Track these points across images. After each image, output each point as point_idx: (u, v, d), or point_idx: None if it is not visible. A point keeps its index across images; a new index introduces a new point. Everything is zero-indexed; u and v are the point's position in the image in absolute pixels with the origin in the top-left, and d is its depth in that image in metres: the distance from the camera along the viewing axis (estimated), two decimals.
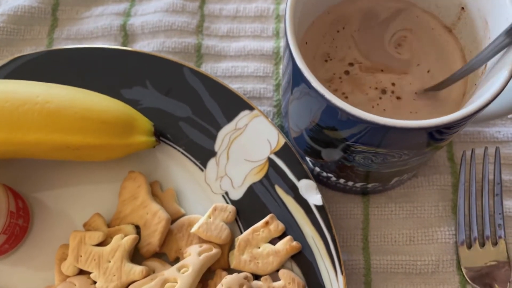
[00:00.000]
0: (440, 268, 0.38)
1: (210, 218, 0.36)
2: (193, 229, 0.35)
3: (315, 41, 0.33)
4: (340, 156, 0.32)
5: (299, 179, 0.36)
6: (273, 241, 0.35)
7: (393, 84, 0.32)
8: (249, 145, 0.38)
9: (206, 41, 0.45)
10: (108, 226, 0.37)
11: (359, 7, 0.34)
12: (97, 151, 0.36)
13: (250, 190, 0.37)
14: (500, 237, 0.37)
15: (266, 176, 0.37)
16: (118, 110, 0.36)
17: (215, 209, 0.36)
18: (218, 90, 0.39)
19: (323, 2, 0.33)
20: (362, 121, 0.26)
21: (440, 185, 0.40)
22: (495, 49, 0.27)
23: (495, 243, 0.37)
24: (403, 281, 0.37)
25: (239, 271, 0.35)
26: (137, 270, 0.34)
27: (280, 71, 0.44)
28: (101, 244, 0.35)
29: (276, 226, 0.35)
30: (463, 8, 0.32)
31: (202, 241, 0.36)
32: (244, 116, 0.38)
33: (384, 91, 0.32)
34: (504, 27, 0.28)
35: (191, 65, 0.40)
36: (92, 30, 0.46)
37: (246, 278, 0.34)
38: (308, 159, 0.37)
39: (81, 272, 0.35)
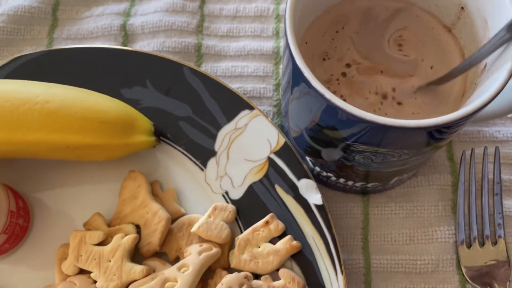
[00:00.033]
0: (440, 267, 0.38)
1: (210, 217, 0.36)
2: (193, 229, 0.35)
3: (315, 40, 0.33)
4: (340, 155, 0.32)
5: (299, 178, 0.36)
6: (273, 241, 0.35)
7: (393, 89, 0.32)
8: (249, 144, 0.38)
9: (206, 41, 0.45)
10: (109, 225, 0.37)
11: (358, 6, 0.34)
12: (97, 151, 0.36)
13: (250, 190, 0.37)
14: (499, 236, 0.37)
15: (266, 175, 0.37)
16: (118, 110, 0.36)
17: (215, 209, 0.36)
18: (218, 90, 0.39)
19: (323, 2, 0.33)
20: (362, 121, 0.26)
21: (440, 184, 0.40)
22: (495, 44, 0.27)
23: (494, 243, 0.37)
24: (403, 281, 0.37)
25: (239, 271, 0.35)
26: (138, 269, 0.34)
27: (280, 70, 0.44)
28: (102, 243, 0.35)
29: (276, 226, 0.35)
30: (462, 8, 0.32)
31: (202, 240, 0.36)
32: (244, 116, 0.38)
33: (385, 96, 0.32)
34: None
35: (191, 64, 0.40)
36: (92, 30, 0.46)
37: (246, 277, 0.34)
38: (308, 158, 0.37)
39: (82, 271, 0.35)
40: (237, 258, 0.35)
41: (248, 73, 0.44)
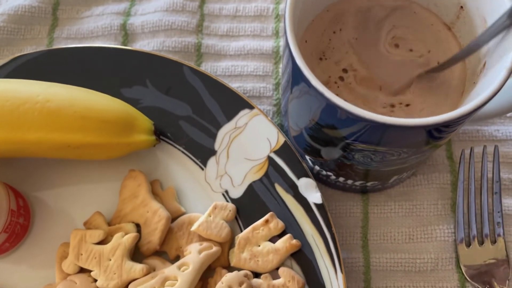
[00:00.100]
0: (439, 266, 0.38)
1: (210, 216, 0.36)
2: (193, 228, 0.36)
3: (314, 39, 0.33)
4: (340, 154, 0.33)
5: (298, 177, 0.37)
6: (273, 239, 0.36)
7: (400, 103, 0.32)
8: (249, 144, 0.38)
9: (206, 41, 0.45)
10: (109, 224, 0.37)
11: (358, 5, 0.34)
12: (97, 150, 0.36)
13: (250, 189, 0.37)
14: (499, 235, 0.38)
15: (266, 174, 0.37)
16: (118, 109, 0.36)
17: (215, 208, 0.36)
18: (218, 89, 0.39)
19: (322, 0, 0.34)
20: (361, 120, 0.26)
21: (439, 183, 0.40)
22: (495, 30, 0.27)
23: (494, 241, 0.38)
24: (402, 279, 0.38)
25: (239, 269, 0.35)
26: (138, 268, 0.34)
27: (280, 70, 0.44)
28: (102, 242, 0.35)
29: (276, 224, 0.36)
30: (462, 7, 0.32)
31: (202, 239, 0.36)
32: (244, 115, 0.38)
33: (393, 105, 0.32)
34: (504, 37, 0.28)
35: (191, 64, 0.40)
36: (92, 30, 0.46)
37: (246, 276, 0.34)
38: (307, 157, 0.37)
39: (82, 270, 0.35)
40: (237, 256, 0.35)
41: (248, 73, 0.44)
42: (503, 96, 0.30)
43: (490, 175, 0.39)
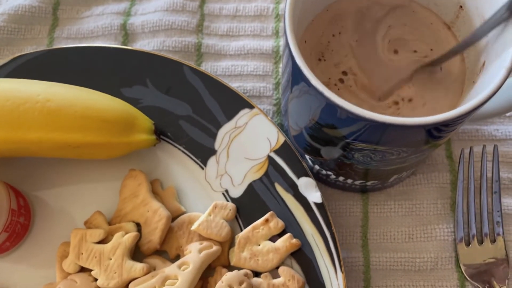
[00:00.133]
0: (439, 265, 0.38)
1: (210, 215, 0.36)
2: (194, 227, 0.36)
3: (314, 40, 0.34)
4: (339, 153, 0.33)
5: (298, 177, 0.37)
6: (273, 239, 0.36)
7: (402, 99, 0.32)
8: (249, 143, 0.38)
9: (206, 40, 0.46)
10: (109, 224, 0.37)
11: (357, 5, 0.34)
12: (97, 150, 0.36)
13: (250, 188, 0.37)
14: (498, 234, 0.38)
15: (266, 174, 0.37)
16: (118, 109, 0.36)
17: (215, 207, 0.36)
18: (218, 89, 0.39)
19: (322, 0, 0.34)
20: (361, 119, 0.26)
21: (438, 183, 0.40)
22: (494, 23, 0.27)
23: (493, 241, 0.38)
24: (402, 278, 0.38)
25: (239, 268, 0.35)
26: (138, 267, 0.34)
27: (280, 70, 0.44)
28: (102, 241, 0.35)
29: (276, 224, 0.36)
30: (461, 6, 0.32)
31: (202, 238, 0.36)
32: (244, 115, 0.38)
33: (396, 103, 0.32)
34: (503, 31, 0.29)
35: (191, 64, 0.40)
36: (93, 30, 0.46)
37: (246, 275, 0.34)
38: (307, 157, 0.37)
39: (82, 269, 0.35)
40: (237, 256, 0.35)
41: (248, 72, 0.44)
42: (502, 95, 0.30)
43: (489, 175, 0.39)
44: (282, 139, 0.37)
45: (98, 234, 0.35)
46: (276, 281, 0.34)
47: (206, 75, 0.39)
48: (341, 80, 0.32)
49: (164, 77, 0.40)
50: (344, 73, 0.32)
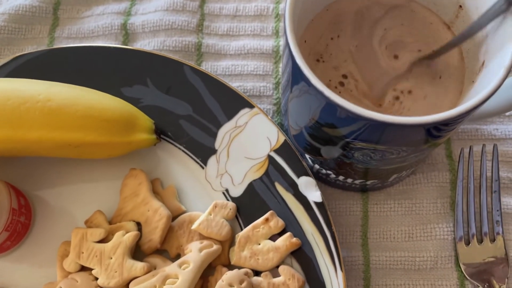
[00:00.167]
0: (439, 264, 0.38)
1: (210, 215, 0.36)
2: (194, 226, 0.36)
3: (313, 39, 0.34)
4: (339, 153, 0.33)
5: (298, 176, 0.37)
6: (273, 238, 0.36)
7: (402, 92, 0.32)
8: (249, 142, 0.38)
9: (206, 40, 0.46)
10: (110, 223, 0.37)
11: (357, 5, 0.34)
12: (98, 149, 0.36)
13: (250, 187, 0.37)
14: (498, 233, 0.38)
15: (266, 173, 0.37)
16: (119, 108, 0.37)
17: (215, 206, 0.36)
18: (218, 88, 0.39)
19: (322, 0, 0.34)
20: (361, 118, 0.26)
21: (438, 182, 0.40)
22: (492, 15, 0.27)
23: (493, 240, 0.38)
24: (402, 277, 0.38)
25: (239, 267, 0.35)
26: (139, 266, 0.34)
27: (280, 69, 0.44)
28: (103, 241, 0.35)
29: (276, 223, 0.36)
30: (461, 6, 0.32)
31: (202, 237, 0.36)
32: (244, 114, 0.38)
33: (397, 98, 0.32)
34: (502, 25, 0.29)
35: (192, 63, 0.40)
36: (93, 29, 0.46)
37: (246, 274, 0.34)
38: (307, 156, 0.37)
39: (83, 268, 0.35)
40: (238, 255, 0.35)
41: (248, 72, 0.44)
42: (501, 95, 0.30)
43: (489, 174, 0.39)
44: (282, 138, 0.38)
45: (99, 233, 0.35)
46: (276, 280, 0.34)
47: (206, 75, 0.40)
48: (342, 83, 0.32)
49: (164, 77, 0.40)
50: (344, 76, 0.32)
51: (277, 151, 0.37)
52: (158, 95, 0.40)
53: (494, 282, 0.36)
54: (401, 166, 0.34)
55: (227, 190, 0.38)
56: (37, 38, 0.46)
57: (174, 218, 0.37)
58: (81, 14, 0.47)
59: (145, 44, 0.45)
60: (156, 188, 0.38)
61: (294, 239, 0.35)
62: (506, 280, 0.36)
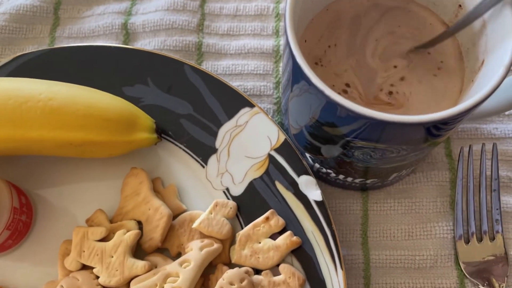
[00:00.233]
0: (439, 263, 0.38)
1: (211, 213, 0.36)
2: (195, 225, 0.36)
3: (314, 39, 0.34)
4: (339, 152, 0.33)
5: (299, 175, 0.37)
6: (273, 236, 0.36)
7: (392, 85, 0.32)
8: (250, 142, 0.38)
9: (207, 40, 0.46)
10: (111, 222, 0.37)
11: (356, 5, 0.34)
12: (99, 148, 0.36)
13: (251, 186, 0.37)
14: (497, 232, 0.38)
15: (267, 172, 0.37)
16: (120, 108, 0.37)
17: (216, 205, 0.37)
18: (218, 88, 0.39)
19: (322, 0, 0.34)
20: (361, 117, 0.27)
21: (438, 181, 0.40)
22: (489, 4, 0.28)
23: (492, 238, 0.38)
24: (401, 276, 0.38)
25: (240, 266, 0.35)
26: (140, 265, 0.34)
27: (280, 69, 0.44)
28: (104, 239, 0.35)
29: (277, 222, 0.36)
30: (460, 5, 0.32)
31: (203, 236, 0.36)
32: (244, 113, 0.39)
33: (391, 93, 0.32)
34: (501, 24, 0.29)
35: (192, 63, 0.40)
36: (94, 29, 0.46)
37: (247, 272, 0.34)
38: (307, 155, 0.37)
39: (84, 267, 0.35)
40: (238, 253, 0.35)
41: (248, 71, 0.44)
42: (501, 94, 0.30)
43: (488, 173, 0.39)
44: (282, 137, 0.38)
45: (100, 232, 0.35)
46: (277, 278, 0.34)
47: (207, 74, 0.40)
48: (345, 91, 0.32)
49: (165, 76, 0.40)
50: (348, 85, 0.32)
51: (277, 150, 0.38)
52: (158, 95, 0.40)
53: (494, 280, 0.36)
54: (401, 165, 0.34)
55: (227, 189, 0.38)
56: (38, 38, 0.46)
57: (175, 217, 0.37)
58: (82, 13, 0.47)
59: (145, 43, 0.45)
60: (157, 187, 0.38)
61: (295, 238, 0.35)
62: (505, 278, 0.36)
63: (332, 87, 0.32)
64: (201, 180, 0.39)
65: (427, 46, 0.32)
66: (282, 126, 0.41)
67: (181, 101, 0.39)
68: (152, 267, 0.35)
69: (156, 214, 0.36)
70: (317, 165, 0.38)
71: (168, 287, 0.33)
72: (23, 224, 0.37)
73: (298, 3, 0.30)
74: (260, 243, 0.35)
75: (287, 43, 0.29)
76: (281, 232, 0.36)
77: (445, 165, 0.41)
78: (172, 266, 0.34)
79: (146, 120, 0.38)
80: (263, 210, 0.36)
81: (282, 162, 0.37)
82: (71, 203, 0.39)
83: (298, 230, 0.36)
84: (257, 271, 0.35)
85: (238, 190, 0.37)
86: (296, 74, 0.29)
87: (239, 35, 0.46)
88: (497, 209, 0.38)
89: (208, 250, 0.34)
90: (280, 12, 0.47)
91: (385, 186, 0.40)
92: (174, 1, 0.46)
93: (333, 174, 0.38)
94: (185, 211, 0.38)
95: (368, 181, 0.38)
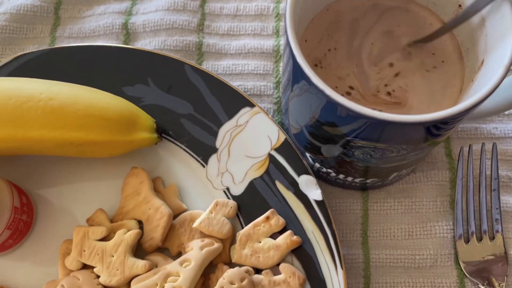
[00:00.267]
0: (438, 262, 0.38)
1: (211, 213, 0.36)
2: (195, 224, 0.36)
3: (314, 40, 0.34)
4: (340, 151, 0.33)
5: (299, 174, 0.37)
6: (273, 236, 0.36)
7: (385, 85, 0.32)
8: (250, 141, 0.38)
9: (207, 39, 0.46)
10: (111, 221, 0.37)
11: (355, 4, 0.34)
12: (100, 148, 0.37)
13: (251, 186, 0.37)
14: (497, 231, 0.38)
15: (267, 172, 0.37)
16: (120, 107, 0.37)
17: (216, 204, 0.37)
18: (219, 88, 0.39)
19: (322, 0, 0.34)
20: (361, 116, 0.27)
21: (438, 180, 0.40)
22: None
23: (492, 238, 0.38)
24: (401, 275, 0.38)
25: (240, 265, 0.35)
26: (140, 264, 0.34)
27: (280, 68, 0.45)
28: (104, 239, 0.36)
29: (277, 221, 0.36)
30: (460, 5, 0.32)
31: (204, 236, 0.36)
32: (245, 113, 0.39)
33: (388, 93, 0.32)
34: (501, 24, 0.29)
35: (192, 63, 0.40)
36: (94, 29, 0.46)
37: (247, 272, 0.34)
38: (308, 155, 0.38)
39: (85, 266, 0.35)
40: (238, 253, 0.35)
41: (248, 71, 0.44)
42: (501, 93, 0.30)
43: (488, 172, 0.39)
44: (282, 137, 0.38)
45: (101, 231, 0.35)
46: (277, 277, 0.35)
47: (207, 74, 0.40)
48: (349, 93, 0.32)
49: (165, 76, 0.40)
50: (351, 87, 0.32)
51: (277, 149, 0.38)
52: (159, 94, 0.40)
53: (494, 280, 0.36)
54: (401, 164, 0.34)
55: (228, 189, 0.38)
56: (39, 38, 0.46)
57: (175, 216, 0.37)
58: (82, 13, 0.47)
59: (146, 43, 0.45)
60: (158, 187, 0.38)
61: (295, 237, 0.35)
62: (505, 277, 0.36)
63: (336, 89, 0.32)
64: (201, 180, 0.39)
65: (425, 41, 0.32)
66: (283, 125, 0.41)
67: (182, 101, 0.40)
68: (153, 266, 0.35)
69: (157, 213, 0.36)
70: (317, 165, 0.38)
71: (169, 287, 0.33)
72: (23, 224, 0.37)
73: (299, 3, 0.30)
74: (260, 242, 0.36)
75: (288, 43, 0.29)
76: (281, 232, 0.36)
77: (445, 164, 0.41)
78: (172, 266, 0.34)
79: (147, 120, 0.38)
80: (264, 210, 0.36)
81: (283, 161, 0.37)
82: (72, 203, 0.39)
83: (298, 229, 0.36)
84: (258, 271, 0.35)
85: (238, 189, 0.38)
86: (297, 74, 0.29)
87: (239, 35, 0.46)
88: (497, 209, 0.38)
89: (208, 249, 0.34)
90: (280, 12, 0.47)
91: (385, 186, 0.40)
92: (175, 1, 0.46)
93: (333, 174, 0.38)
94: (185, 210, 0.38)
95: (368, 181, 0.38)
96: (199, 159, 0.39)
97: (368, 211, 0.40)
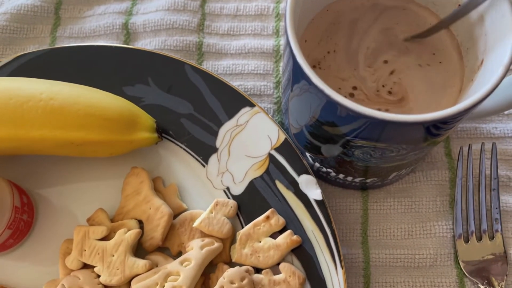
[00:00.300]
0: (438, 261, 0.38)
1: (212, 213, 0.36)
2: (195, 224, 0.36)
3: (314, 40, 0.34)
4: (340, 151, 0.33)
5: (299, 174, 0.37)
6: (274, 235, 0.36)
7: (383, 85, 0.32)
8: (250, 141, 0.38)
9: (207, 39, 0.46)
10: (112, 221, 0.37)
11: (355, 5, 0.35)
12: (100, 147, 0.37)
13: (251, 186, 0.37)
14: (496, 231, 0.38)
15: (267, 171, 0.37)
16: (121, 107, 0.37)
17: (216, 204, 0.37)
18: (219, 87, 0.40)
19: (322, 0, 0.34)
20: (361, 116, 0.27)
21: (437, 180, 0.40)
22: None
23: (492, 237, 0.38)
24: (401, 275, 0.38)
25: (240, 265, 0.35)
26: (141, 263, 0.34)
27: (280, 68, 0.45)
28: (105, 238, 0.36)
29: (277, 221, 0.36)
30: (459, 5, 0.32)
31: (204, 235, 0.36)
32: (245, 113, 0.39)
33: (391, 93, 0.32)
34: (500, 23, 0.29)
35: (193, 62, 0.41)
36: (95, 29, 0.46)
37: (247, 271, 0.34)
38: (308, 154, 0.38)
39: (85, 266, 0.35)
40: (239, 252, 0.35)
41: (248, 71, 0.44)
42: (500, 93, 0.30)
43: (488, 172, 0.39)
44: (282, 137, 0.38)
45: (101, 231, 0.35)
46: (277, 277, 0.35)
47: (207, 74, 0.40)
48: (352, 94, 0.32)
49: (165, 76, 0.40)
50: (354, 88, 0.32)
51: (277, 149, 0.38)
52: (159, 94, 0.40)
53: (493, 279, 0.37)
54: (400, 164, 0.34)
55: (228, 188, 0.38)
56: (39, 38, 0.46)
57: (175, 216, 0.37)
58: (83, 13, 0.47)
59: (146, 43, 0.45)
60: (158, 187, 0.38)
61: (295, 237, 0.35)
62: (504, 277, 0.37)
63: (339, 90, 0.32)
64: (201, 180, 0.39)
65: (422, 36, 0.32)
66: (283, 125, 0.41)
67: (182, 101, 0.40)
68: (153, 266, 0.35)
69: (157, 213, 0.36)
70: (317, 165, 0.38)
71: (169, 286, 0.33)
72: (24, 223, 0.37)
73: (299, 3, 0.30)
74: (260, 242, 0.36)
75: (288, 43, 0.29)
76: (281, 231, 0.36)
77: (445, 164, 0.41)
78: (173, 265, 0.34)
79: (147, 119, 0.38)
80: (264, 209, 0.37)
81: (283, 161, 0.37)
82: (72, 202, 0.39)
83: (298, 229, 0.36)
84: (258, 270, 0.35)
85: (238, 189, 0.38)
86: (297, 74, 0.29)
87: (240, 35, 0.46)
88: (496, 208, 0.38)
89: (208, 249, 0.34)
90: (280, 12, 0.47)
91: (385, 185, 0.40)
92: (175, 1, 0.46)
93: (333, 173, 0.38)
94: (185, 210, 0.38)
95: (368, 180, 0.38)
96: (199, 158, 0.39)
97: (368, 211, 0.40)
